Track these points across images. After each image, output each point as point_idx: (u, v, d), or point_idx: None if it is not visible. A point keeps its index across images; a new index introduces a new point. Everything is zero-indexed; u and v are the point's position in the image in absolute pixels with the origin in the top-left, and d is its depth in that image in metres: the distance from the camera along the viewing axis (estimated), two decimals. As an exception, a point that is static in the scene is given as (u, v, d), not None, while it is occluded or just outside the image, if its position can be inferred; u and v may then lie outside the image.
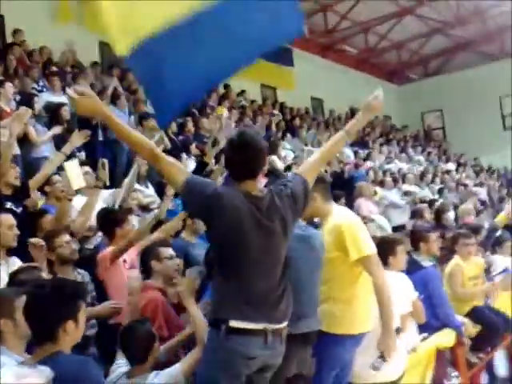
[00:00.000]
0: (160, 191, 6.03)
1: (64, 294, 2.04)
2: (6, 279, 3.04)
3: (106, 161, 4.71)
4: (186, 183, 2.33)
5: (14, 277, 2.87)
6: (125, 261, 3.77)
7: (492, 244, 6.51)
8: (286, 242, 2.45)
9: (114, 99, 7.88)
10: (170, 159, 2.42)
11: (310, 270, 2.83)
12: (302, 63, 15.43)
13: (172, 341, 3.04)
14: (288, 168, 8.31)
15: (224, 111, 8.39)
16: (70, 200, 3.99)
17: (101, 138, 7.19)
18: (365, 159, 11.74)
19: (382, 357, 2.94)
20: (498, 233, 7.20)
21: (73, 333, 2.03)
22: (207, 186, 2.38)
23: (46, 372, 1.91)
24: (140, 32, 2.62)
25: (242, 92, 12.77)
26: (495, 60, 19.38)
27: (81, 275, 3.64)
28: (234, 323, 2.28)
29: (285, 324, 2.41)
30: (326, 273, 2.93)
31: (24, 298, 2.18)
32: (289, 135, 11.36)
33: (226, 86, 12.35)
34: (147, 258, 3.54)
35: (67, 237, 3.51)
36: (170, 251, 3.57)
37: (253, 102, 13.06)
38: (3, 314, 2.27)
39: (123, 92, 8.61)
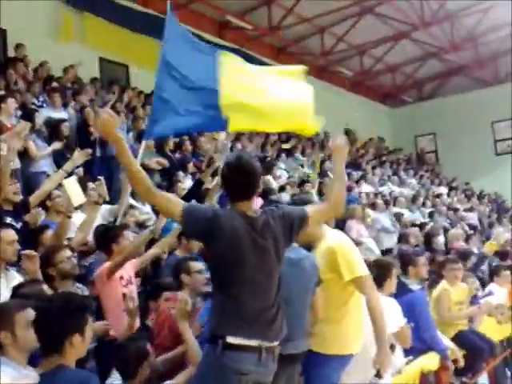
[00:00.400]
0: (156, 208, 6.15)
1: (71, 307, 2.15)
2: (5, 293, 3.14)
3: (101, 178, 4.82)
4: (183, 212, 2.44)
5: (16, 291, 2.96)
6: (121, 277, 3.86)
7: (489, 273, 6.62)
8: (279, 262, 2.57)
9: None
10: (164, 194, 2.55)
11: (301, 293, 2.93)
12: (299, 84, 15.64)
13: (169, 354, 3.18)
14: (282, 188, 8.44)
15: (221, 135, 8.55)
16: (70, 217, 4.09)
17: (98, 154, 7.29)
18: (358, 181, 11.91)
19: (378, 374, 3.03)
20: (489, 260, 7.34)
21: (79, 346, 2.13)
22: (204, 210, 2.53)
23: (33, 375, 2.02)
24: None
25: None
26: (488, 85, 19.72)
27: (80, 289, 3.73)
28: (230, 339, 2.40)
29: (277, 342, 2.53)
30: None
31: (28, 311, 2.29)
32: (283, 155, 11.50)
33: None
34: (178, 271, 3.76)
35: (68, 252, 3.61)
36: (199, 265, 3.78)
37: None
38: (2, 327, 2.36)
39: (123, 109, 8.77)
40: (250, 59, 15.94)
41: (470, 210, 13.46)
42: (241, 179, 2.53)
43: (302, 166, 11.27)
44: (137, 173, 2.44)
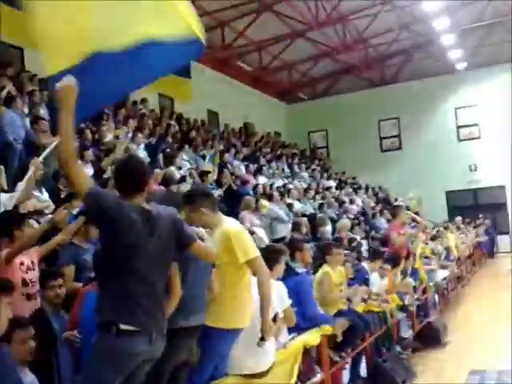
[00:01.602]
0: (54, 196, 6.17)
1: None
2: None
3: (1, 167, 4.81)
4: (89, 191, 2.58)
5: None
6: (22, 263, 3.96)
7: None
8: (170, 251, 2.81)
9: (9, 101, 7.77)
10: (81, 167, 2.70)
11: (202, 276, 3.26)
12: (200, 76, 15.88)
13: None
14: (183, 179, 8.68)
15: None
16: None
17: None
18: (255, 173, 12.42)
19: (262, 338, 3.41)
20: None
21: None
22: (110, 197, 2.68)
23: None
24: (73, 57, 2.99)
25: (143, 100, 12.92)
26: (375, 86, 21.19)
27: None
28: (123, 326, 2.59)
29: (165, 323, 2.78)
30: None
31: None
32: (186, 146, 11.71)
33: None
34: None
35: None
36: None
37: (151, 111, 13.27)
38: None
39: (17, 93, 8.52)
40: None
41: (351, 202, 14.42)
42: (133, 174, 2.76)
43: (203, 157, 11.59)
44: (71, 135, 2.57)
